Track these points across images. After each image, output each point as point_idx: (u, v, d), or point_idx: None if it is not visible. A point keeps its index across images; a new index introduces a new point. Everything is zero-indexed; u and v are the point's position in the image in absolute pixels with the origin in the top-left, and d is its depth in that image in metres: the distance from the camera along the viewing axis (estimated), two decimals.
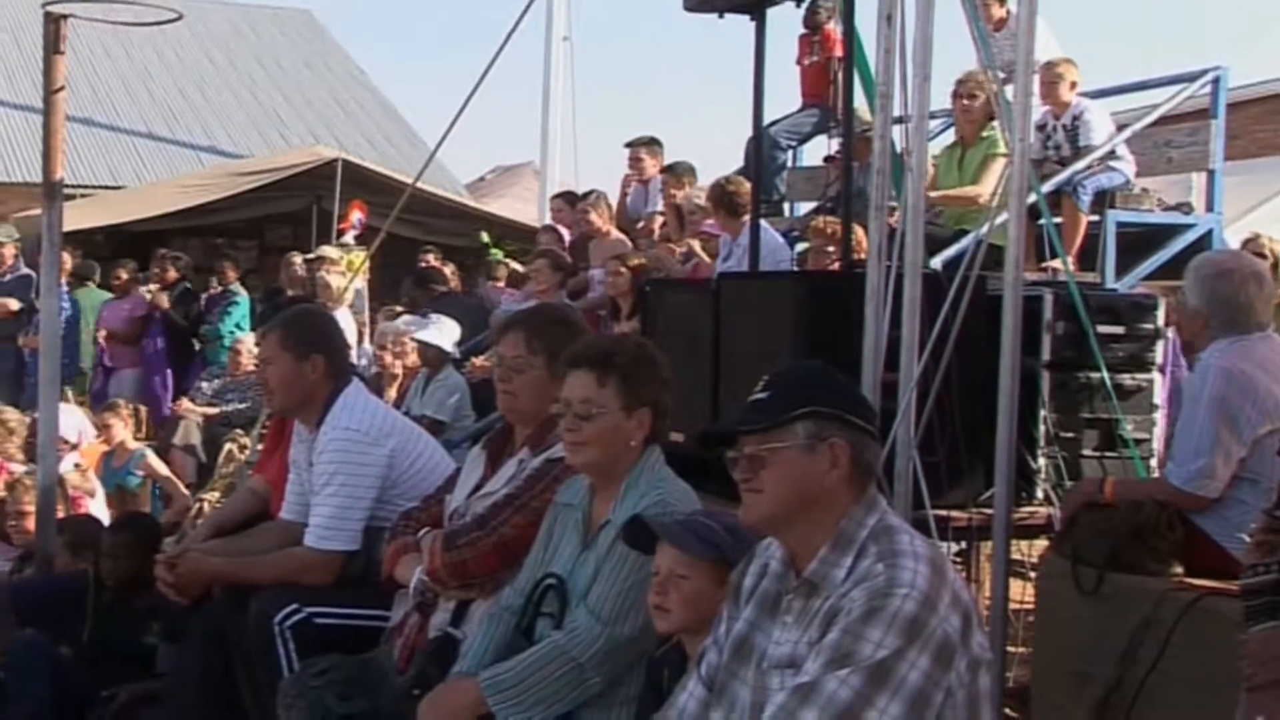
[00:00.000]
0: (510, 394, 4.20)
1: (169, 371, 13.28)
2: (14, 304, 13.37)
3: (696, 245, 9.15)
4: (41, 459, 6.31)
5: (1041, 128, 8.20)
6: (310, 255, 13.11)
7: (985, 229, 5.26)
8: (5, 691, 5.37)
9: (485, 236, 13.11)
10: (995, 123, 7.94)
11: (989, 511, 4.99)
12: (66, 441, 8.02)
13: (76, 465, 8.07)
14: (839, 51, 9.83)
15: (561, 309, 5.94)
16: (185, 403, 11.15)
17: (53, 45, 5.94)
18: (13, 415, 8.30)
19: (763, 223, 7.25)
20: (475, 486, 4.24)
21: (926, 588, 2.62)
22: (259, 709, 4.50)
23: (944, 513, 4.98)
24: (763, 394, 2.86)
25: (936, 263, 6.64)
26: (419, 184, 10.79)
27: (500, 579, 3.93)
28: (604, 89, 65.80)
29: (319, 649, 4.29)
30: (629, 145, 11.14)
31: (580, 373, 3.68)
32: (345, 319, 10.28)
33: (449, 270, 12.50)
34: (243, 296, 13.28)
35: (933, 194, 6.92)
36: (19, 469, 8.04)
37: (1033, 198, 5.74)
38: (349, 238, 14.07)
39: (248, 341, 11.02)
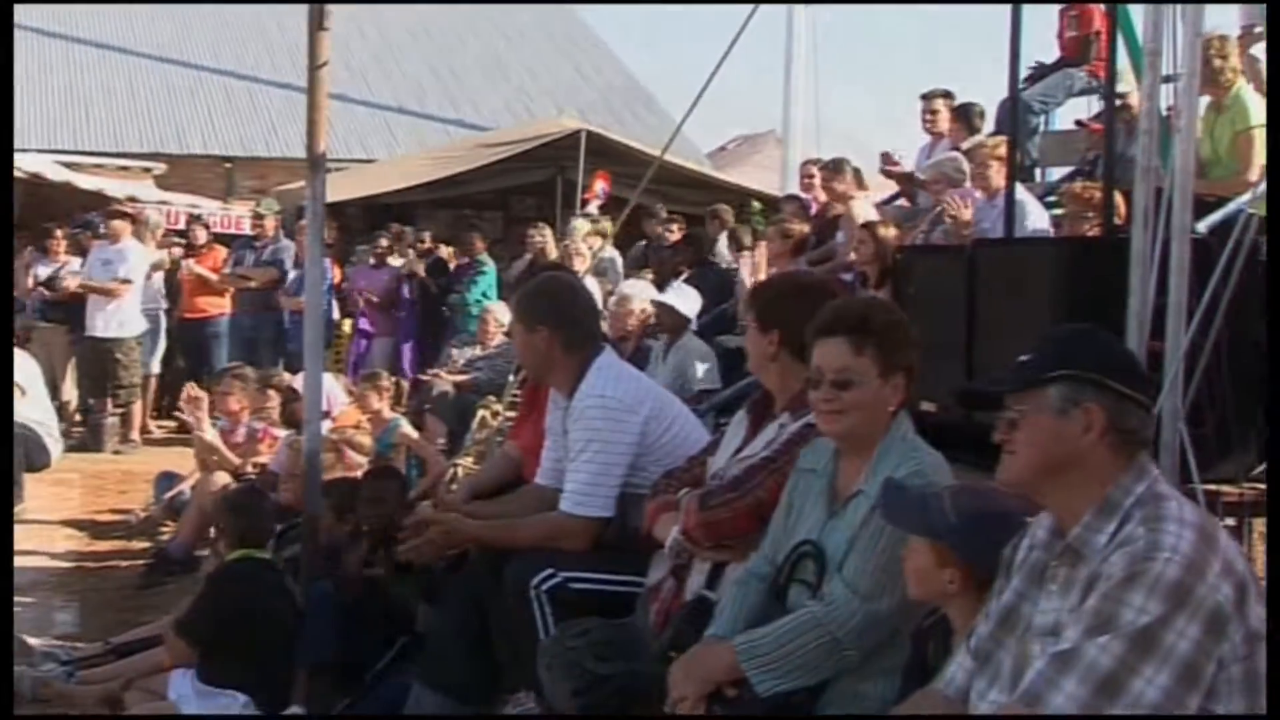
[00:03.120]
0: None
1: (418, 339, 13.67)
2: (275, 274, 13.96)
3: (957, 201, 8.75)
4: (307, 424, 6.51)
5: None
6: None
7: (1250, 196, 5.03)
8: (301, 638, 5.62)
9: (756, 206, 13.10)
10: (1239, 88, 7.48)
11: (1262, 486, 4.78)
12: None
13: (357, 425, 8.32)
14: (1097, 24, 9.59)
15: (796, 277, 5.88)
16: (441, 371, 11.40)
17: (317, 23, 6.14)
18: (283, 379, 8.56)
19: (1021, 188, 7.05)
20: (737, 449, 4.24)
21: (1191, 553, 2.55)
22: (517, 669, 4.60)
23: (1214, 487, 4.80)
24: (1027, 355, 2.85)
25: (1201, 227, 6.37)
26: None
27: (754, 541, 3.91)
28: (847, 55, 64.94)
29: (574, 613, 4.35)
30: (924, 97, 10.91)
31: (835, 340, 3.60)
32: (593, 287, 10.38)
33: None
34: (490, 266, 13.54)
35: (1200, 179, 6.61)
36: (282, 434, 8.36)
37: None
38: (593, 208, 14.23)
39: (496, 310, 11.16)
